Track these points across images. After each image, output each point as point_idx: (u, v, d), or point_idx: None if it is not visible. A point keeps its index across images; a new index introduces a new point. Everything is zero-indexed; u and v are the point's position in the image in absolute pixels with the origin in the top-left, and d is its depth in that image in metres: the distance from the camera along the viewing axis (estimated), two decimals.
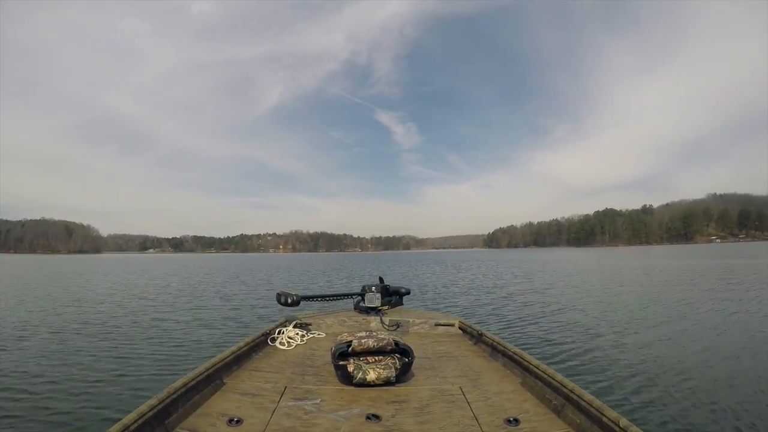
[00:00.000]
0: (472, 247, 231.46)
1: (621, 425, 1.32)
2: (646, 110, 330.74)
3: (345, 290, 4.68)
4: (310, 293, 3.92)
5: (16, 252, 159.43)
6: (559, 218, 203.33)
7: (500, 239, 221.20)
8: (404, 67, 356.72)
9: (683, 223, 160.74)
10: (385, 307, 3.61)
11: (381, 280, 3.91)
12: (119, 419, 1.29)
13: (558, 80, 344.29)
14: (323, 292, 4.03)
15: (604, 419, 1.39)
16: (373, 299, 3.58)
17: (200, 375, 1.77)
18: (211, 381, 1.85)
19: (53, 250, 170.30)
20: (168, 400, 1.49)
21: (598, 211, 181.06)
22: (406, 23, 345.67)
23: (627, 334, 6.65)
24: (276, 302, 3.50)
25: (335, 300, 3.89)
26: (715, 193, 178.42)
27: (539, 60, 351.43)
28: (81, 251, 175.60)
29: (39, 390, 3.96)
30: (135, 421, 1.29)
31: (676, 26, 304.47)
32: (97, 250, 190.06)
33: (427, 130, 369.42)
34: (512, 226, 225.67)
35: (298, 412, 1.64)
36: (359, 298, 3.73)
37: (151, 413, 1.37)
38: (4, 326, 7.52)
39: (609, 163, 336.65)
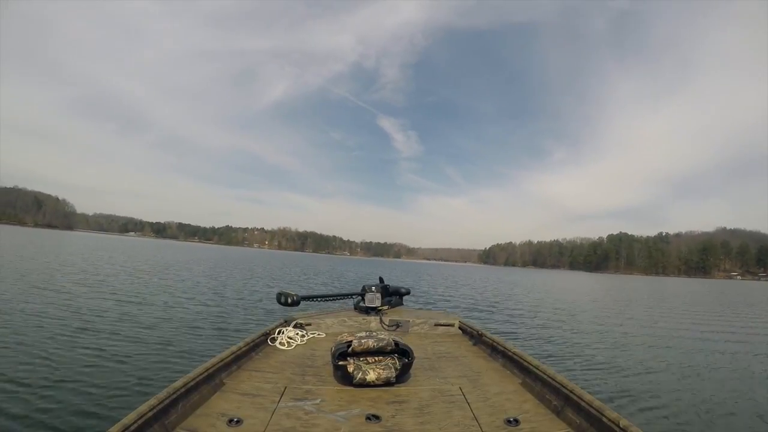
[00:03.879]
0: (465, 262, 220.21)
1: (621, 425, 1.32)
2: (647, 140, 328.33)
3: (345, 290, 4.71)
4: (310, 293, 3.89)
5: None
6: (560, 239, 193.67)
7: (497, 256, 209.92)
8: (411, 76, 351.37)
9: (701, 256, 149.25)
10: (385, 307, 3.60)
11: (381, 280, 3.90)
12: (119, 419, 1.28)
13: (561, 102, 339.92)
14: (323, 292, 4.02)
15: (604, 419, 1.39)
16: (373, 299, 3.57)
17: (200, 375, 1.76)
18: (211, 381, 1.85)
19: (20, 222, 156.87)
20: (168, 401, 1.48)
21: (612, 234, 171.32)
22: (417, 32, 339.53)
23: (629, 339, 7.07)
24: (276, 302, 3.49)
25: (335, 300, 3.86)
26: (725, 228, 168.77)
27: (544, 80, 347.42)
28: (50, 226, 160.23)
29: (35, 390, 3.77)
30: (135, 422, 1.28)
31: (685, 59, 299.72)
32: (70, 227, 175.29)
33: (428, 140, 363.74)
34: (510, 243, 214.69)
35: (298, 412, 1.64)
36: (359, 298, 3.71)
37: (150, 413, 1.37)
38: None
39: (606, 189, 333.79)
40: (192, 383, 1.66)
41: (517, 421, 1.57)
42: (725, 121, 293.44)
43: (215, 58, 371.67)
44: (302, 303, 3.45)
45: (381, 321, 3.28)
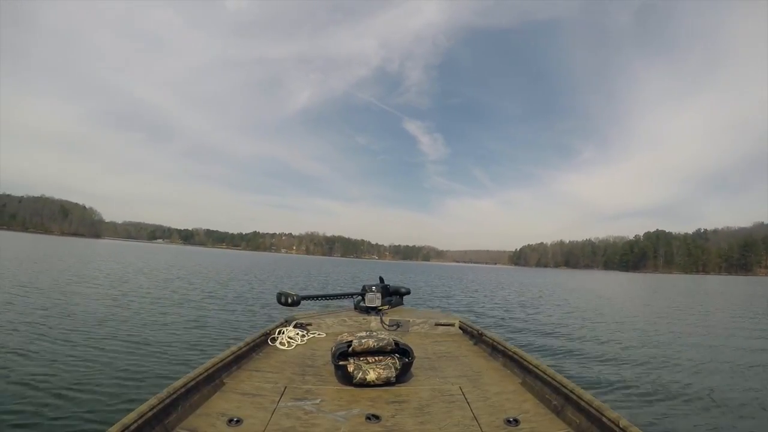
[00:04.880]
0: (495, 264, 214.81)
1: (621, 425, 1.31)
2: (677, 137, 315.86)
3: (345, 290, 4.55)
4: (310, 293, 3.85)
5: (8, 228, 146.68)
6: (592, 239, 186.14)
7: (529, 257, 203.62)
8: (435, 77, 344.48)
9: (741, 252, 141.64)
10: (386, 307, 3.59)
11: (381, 279, 3.90)
12: (119, 419, 1.27)
13: (588, 101, 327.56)
14: (323, 292, 3.99)
15: (604, 419, 1.38)
16: (374, 299, 3.56)
17: (200, 375, 1.75)
18: (211, 381, 1.84)
19: (46, 230, 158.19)
20: (168, 400, 1.47)
21: (648, 232, 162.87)
22: (439, 33, 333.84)
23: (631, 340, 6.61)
24: (276, 302, 3.48)
25: (335, 300, 3.85)
26: (763, 222, 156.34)
27: (570, 79, 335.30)
28: (77, 234, 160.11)
29: (33, 390, 3.74)
30: (135, 421, 1.28)
31: (714, 52, 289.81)
32: (97, 235, 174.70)
33: (454, 142, 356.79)
34: (542, 243, 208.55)
35: (298, 412, 1.63)
36: (359, 297, 3.69)
37: (151, 413, 1.36)
38: None
39: (637, 187, 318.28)
40: (192, 383, 1.65)
41: (517, 421, 1.56)
42: (757, 113, 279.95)
43: (240, 66, 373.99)
44: (302, 303, 3.43)
45: (381, 321, 3.26)
